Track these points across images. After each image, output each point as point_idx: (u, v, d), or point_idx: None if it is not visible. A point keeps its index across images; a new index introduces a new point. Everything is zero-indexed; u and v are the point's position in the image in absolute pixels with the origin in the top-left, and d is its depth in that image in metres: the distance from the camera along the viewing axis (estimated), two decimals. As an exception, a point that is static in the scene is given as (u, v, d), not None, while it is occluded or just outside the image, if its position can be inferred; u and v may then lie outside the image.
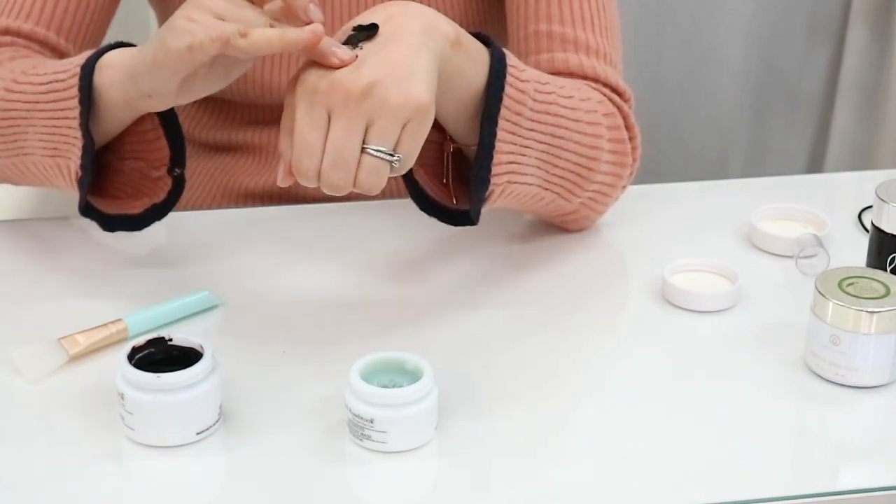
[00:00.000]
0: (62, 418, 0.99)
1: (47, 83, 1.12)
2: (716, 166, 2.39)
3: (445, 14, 1.32)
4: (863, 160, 2.33)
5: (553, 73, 1.20)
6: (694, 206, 1.32)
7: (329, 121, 0.97)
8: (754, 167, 2.42)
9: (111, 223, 1.16)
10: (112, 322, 1.07)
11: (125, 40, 1.14)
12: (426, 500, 0.96)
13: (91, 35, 1.27)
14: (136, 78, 1.06)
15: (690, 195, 1.34)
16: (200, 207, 1.38)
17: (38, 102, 1.13)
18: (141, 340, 0.99)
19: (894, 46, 2.24)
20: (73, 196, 1.27)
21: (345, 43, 1.00)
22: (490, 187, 1.07)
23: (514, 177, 1.09)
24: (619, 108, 1.20)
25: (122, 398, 0.95)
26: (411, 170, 1.05)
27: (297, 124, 0.98)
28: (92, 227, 1.24)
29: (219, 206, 1.37)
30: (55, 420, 1.00)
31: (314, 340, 1.09)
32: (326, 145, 0.97)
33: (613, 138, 1.18)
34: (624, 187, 1.22)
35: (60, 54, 1.25)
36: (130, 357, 0.97)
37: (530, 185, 1.12)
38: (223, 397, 0.98)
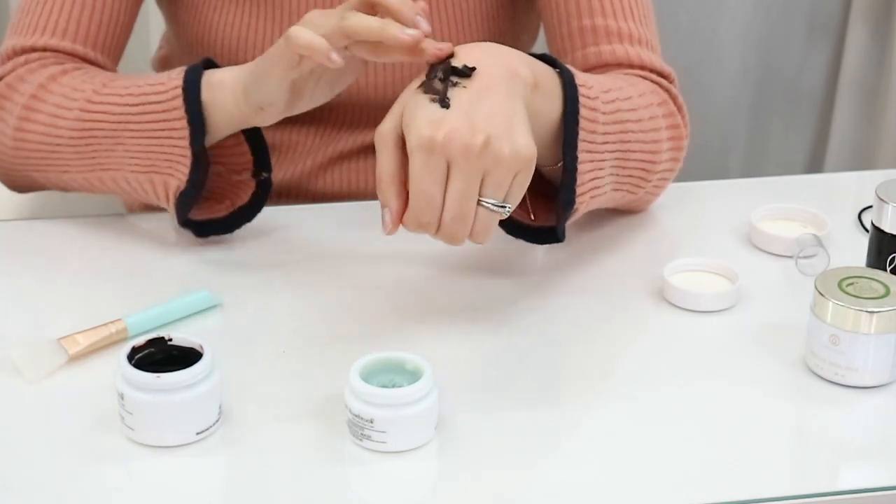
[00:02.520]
0: (62, 418, 0.99)
1: (139, 104, 1.14)
2: (715, 166, 2.38)
3: (458, 8, 1.32)
4: (863, 160, 2.33)
5: (601, 67, 1.24)
6: (693, 206, 1.32)
7: (447, 172, 0.99)
8: (754, 167, 2.42)
9: (203, 229, 1.19)
10: (112, 322, 1.07)
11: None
12: (426, 500, 0.96)
13: (121, 46, 1.29)
14: (249, 91, 1.09)
15: (690, 195, 1.34)
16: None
17: (129, 122, 1.15)
18: (141, 340, 0.99)
19: (894, 46, 2.24)
20: (73, 196, 1.27)
21: (441, 80, 1.01)
22: (575, 205, 1.10)
23: (595, 191, 1.13)
24: (667, 91, 1.25)
25: (122, 398, 0.95)
26: None
27: (416, 175, 0.99)
28: (92, 227, 1.24)
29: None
30: (55, 420, 0.99)
31: (314, 340, 1.09)
32: (447, 198, 0.99)
33: (670, 125, 1.22)
34: (679, 166, 1.27)
35: (98, 68, 1.26)
36: (130, 357, 0.97)
37: (606, 192, 1.16)
38: (223, 397, 0.98)
